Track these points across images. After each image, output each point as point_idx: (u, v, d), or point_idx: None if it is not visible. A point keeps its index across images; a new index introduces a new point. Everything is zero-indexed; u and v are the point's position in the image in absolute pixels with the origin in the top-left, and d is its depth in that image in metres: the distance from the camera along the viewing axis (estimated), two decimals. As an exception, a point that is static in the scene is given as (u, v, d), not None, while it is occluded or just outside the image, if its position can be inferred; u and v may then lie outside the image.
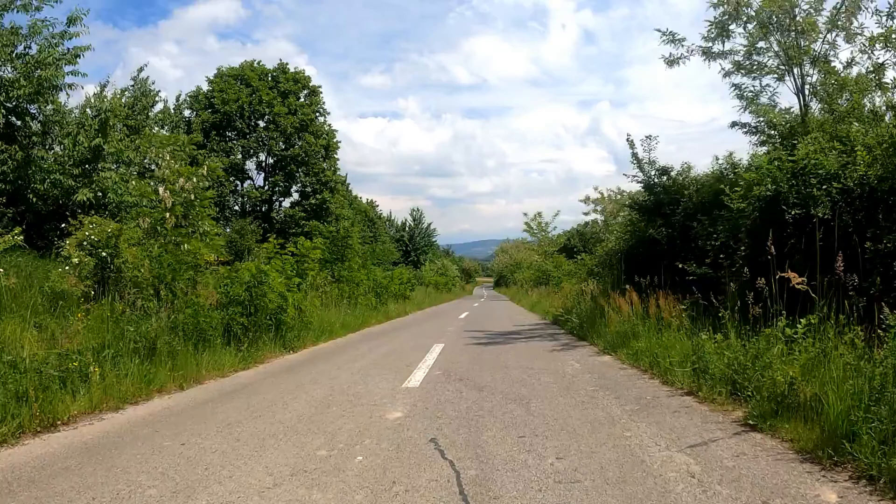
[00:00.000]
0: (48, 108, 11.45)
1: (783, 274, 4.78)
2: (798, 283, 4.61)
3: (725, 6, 9.62)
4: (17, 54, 10.61)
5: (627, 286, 9.60)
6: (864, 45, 8.76)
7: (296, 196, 30.60)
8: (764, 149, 9.42)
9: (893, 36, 8.17)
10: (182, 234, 8.63)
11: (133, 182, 11.95)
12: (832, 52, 9.38)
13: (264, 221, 27.46)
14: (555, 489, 3.09)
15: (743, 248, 6.96)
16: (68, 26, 11.01)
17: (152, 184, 9.69)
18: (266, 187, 29.87)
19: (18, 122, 11.06)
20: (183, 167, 9.57)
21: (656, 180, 10.59)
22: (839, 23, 9.07)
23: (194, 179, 9.20)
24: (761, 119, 9.84)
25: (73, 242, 7.51)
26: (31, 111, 11.24)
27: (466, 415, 4.78)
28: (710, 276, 7.66)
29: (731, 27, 9.95)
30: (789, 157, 6.68)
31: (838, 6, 9.12)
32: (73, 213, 9.63)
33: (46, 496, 3.06)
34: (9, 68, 10.47)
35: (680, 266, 8.28)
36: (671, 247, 9.69)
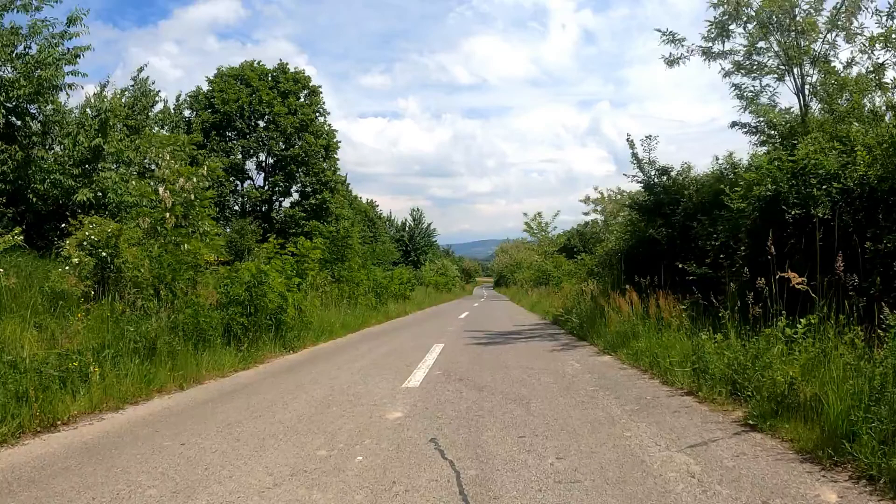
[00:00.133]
0: (48, 108, 11.44)
1: (783, 274, 4.78)
2: (798, 283, 4.61)
3: (725, 6, 9.63)
4: (17, 54, 10.61)
5: (627, 286, 9.60)
6: (864, 45, 8.76)
7: (296, 196, 30.63)
8: (764, 149, 9.43)
9: (893, 36, 8.17)
10: (182, 234, 8.63)
11: (133, 182, 11.95)
12: (832, 52, 9.39)
13: (264, 221, 27.45)
14: (555, 489, 3.09)
15: (743, 248, 6.96)
16: (68, 26, 11.02)
17: (152, 184, 9.69)
18: (266, 187, 29.87)
19: (18, 122, 11.06)
20: (183, 167, 9.57)
21: (656, 180, 10.59)
22: (839, 23, 9.07)
23: (194, 179, 9.21)
24: (761, 119, 9.85)
25: (73, 242, 7.51)
26: (31, 111, 11.24)
27: (466, 415, 4.78)
28: (710, 276, 7.66)
29: (731, 27, 9.95)
30: (789, 157, 6.68)
31: (838, 6, 9.12)
32: (73, 213, 9.63)
33: (46, 496, 3.06)
34: (9, 68, 10.47)
35: (680, 266, 8.28)
36: (671, 247, 9.69)
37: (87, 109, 13.24)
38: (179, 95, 25.64)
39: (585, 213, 24.42)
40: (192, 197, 9.09)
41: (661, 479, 3.20)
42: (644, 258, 10.62)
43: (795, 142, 7.49)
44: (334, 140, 31.13)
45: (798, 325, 4.56)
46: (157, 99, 18.60)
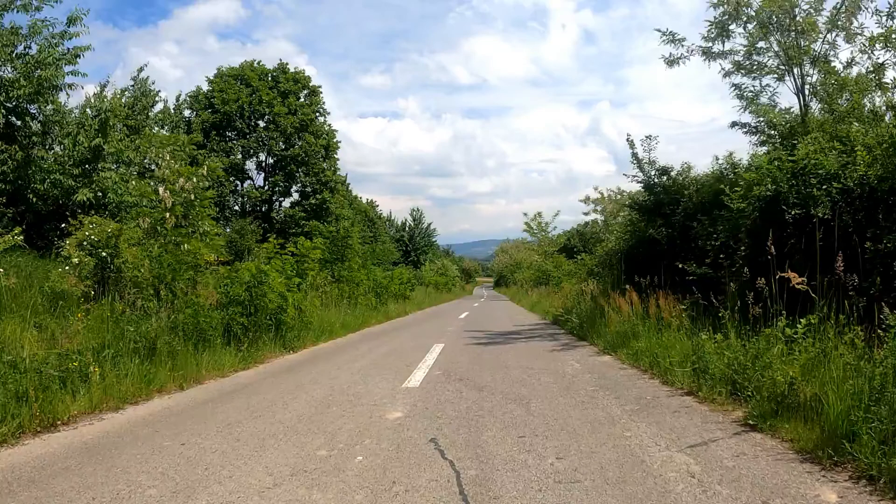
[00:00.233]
0: (48, 108, 11.45)
1: (783, 274, 4.78)
2: (798, 283, 4.61)
3: (725, 6, 9.62)
4: (17, 54, 10.61)
5: (627, 286, 9.60)
6: (864, 45, 8.76)
7: (296, 196, 30.63)
8: (764, 149, 9.43)
9: (893, 36, 8.17)
10: (182, 234, 8.63)
11: (133, 182, 11.95)
12: (832, 52, 9.39)
13: (264, 221, 27.45)
14: (555, 489, 3.09)
15: (743, 248, 6.96)
16: (68, 26, 11.02)
17: (152, 184, 9.69)
18: (266, 187, 29.86)
19: (18, 122, 11.06)
20: (183, 167, 9.57)
21: (656, 180, 10.59)
22: (839, 23, 9.07)
23: (194, 179, 9.21)
24: (761, 119, 9.85)
25: (73, 242, 7.51)
26: (31, 111, 11.24)
27: (466, 415, 4.78)
28: (710, 276, 7.66)
29: (731, 27, 9.95)
30: (789, 157, 6.68)
31: (838, 6, 9.12)
32: (73, 213, 9.63)
33: (46, 496, 3.06)
34: (9, 68, 10.47)
35: (680, 266, 8.28)
36: (671, 247, 9.69)
37: (87, 109, 13.24)
38: (179, 95, 25.69)
39: (585, 213, 24.46)
40: (192, 197, 9.09)
41: (661, 479, 3.20)
42: (644, 258, 10.61)
43: (795, 142, 7.49)
44: (334, 140, 31.13)
45: (798, 325, 4.56)
46: (157, 99, 18.61)
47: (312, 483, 3.22)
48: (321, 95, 30.90)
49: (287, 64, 30.19)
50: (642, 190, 11.04)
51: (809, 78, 9.48)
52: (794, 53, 9.29)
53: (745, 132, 10.11)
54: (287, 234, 25.57)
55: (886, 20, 8.54)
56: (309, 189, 29.74)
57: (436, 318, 19.66)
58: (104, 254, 7.45)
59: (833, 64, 9.27)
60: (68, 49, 10.98)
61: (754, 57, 9.96)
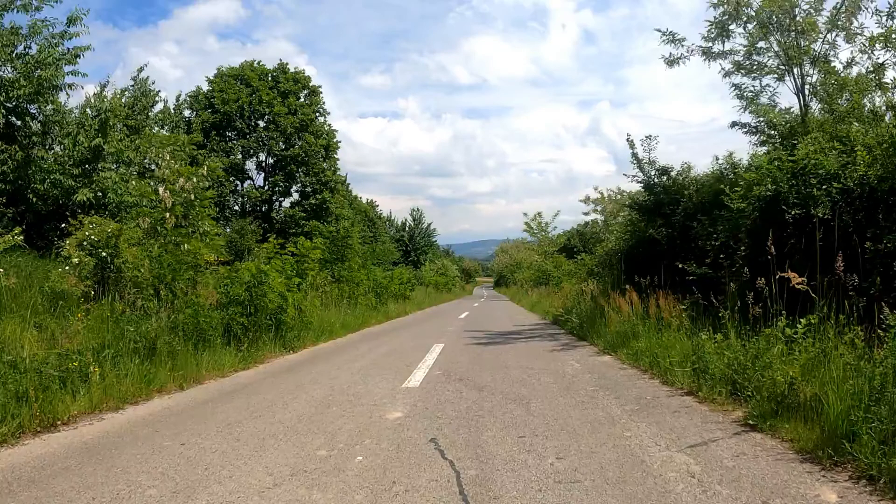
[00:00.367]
0: (48, 108, 11.45)
1: (783, 274, 4.78)
2: (798, 283, 4.61)
3: (725, 6, 9.62)
4: (17, 54, 10.61)
5: (627, 286, 9.60)
6: (864, 45, 8.76)
7: (296, 196, 30.63)
8: (764, 149, 9.43)
9: (893, 36, 8.17)
10: (182, 234, 8.63)
11: (133, 182, 11.96)
12: (832, 52, 9.39)
13: (264, 221, 27.45)
14: (555, 489, 3.09)
15: (743, 248, 6.96)
16: (68, 26, 11.02)
17: (152, 184, 9.69)
18: (266, 187, 29.87)
19: (18, 122, 11.07)
20: (183, 167, 9.57)
21: (656, 180, 10.59)
22: (839, 23, 9.07)
23: (194, 179, 9.20)
24: (761, 119, 9.85)
25: (73, 242, 7.51)
26: (31, 111, 11.24)
27: (466, 415, 4.78)
28: (710, 276, 7.66)
29: (731, 27, 9.95)
30: (789, 157, 6.68)
31: (838, 6, 9.12)
32: (73, 213, 9.63)
33: (46, 496, 3.06)
34: (9, 68, 10.48)
35: (680, 266, 8.28)
36: (671, 247, 9.69)
37: (87, 109, 13.24)
38: (179, 95, 25.69)
39: (585, 213, 24.45)
40: (192, 197, 9.09)
41: (661, 479, 3.20)
42: (644, 258, 10.62)
43: (795, 142, 7.49)
44: (334, 140, 31.13)
45: (798, 325, 4.56)
46: (157, 99, 18.62)
47: (312, 483, 3.22)
48: (321, 95, 30.92)
49: (287, 64, 30.24)
50: (642, 190, 11.05)
51: (809, 78, 9.49)
52: (794, 53, 9.29)
53: (745, 132, 10.12)
54: (287, 234, 25.57)
55: (886, 20, 8.55)
56: (309, 189, 29.74)
57: (436, 318, 19.66)
58: (104, 254, 7.45)
59: (833, 64, 9.28)
60: (68, 49, 10.98)
61: (754, 57, 9.96)
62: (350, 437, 4.14)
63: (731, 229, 7.45)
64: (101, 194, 11.39)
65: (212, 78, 28.87)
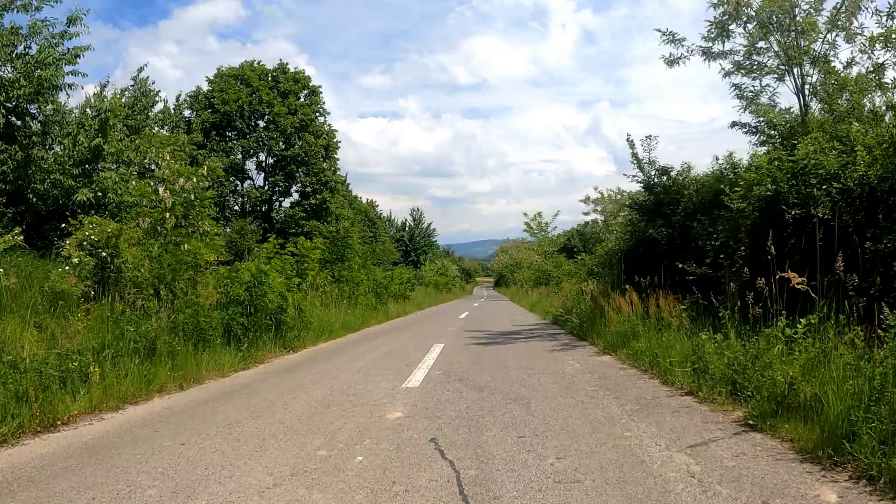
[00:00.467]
0: (48, 108, 11.46)
1: (783, 274, 4.78)
2: (798, 283, 4.62)
3: (725, 6, 9.62)
4: (17, 54, 10.62)
5: (627, 286, 9.60)
6: (864, 45, 8.76)
7: (296, 196, 30.63)
8: (764, 149, 9.43)
9: (893, 36, 8.16)
10: (182, 234, 8.62)
11: (133, 182, 11.96)
12: (832, 52, 9.39)
13: (264, 221, 27.46)
14: (555, 489, 3.09)
15: (743, 248, 6.96)
16: (68, 26, 11.03)
17: (152, 184, 9.68)
18: (266, 187, 29.87)
19: (18, 122, 11.07)
20: (183, 167, 9.56)
21: (656, 180, 10.59)
22: (839, 23, 9.07)
23: (194, 179, 9.20)
24: (761, 119, 9.84)
25: (73, 242, 7.51)
26: (31, 111, 11.25)
27: (466, 415, 4.78)
28: (710, 276, 7.65)
29: (731, 27, 9.95)
30: (789, 157, 6.68)
31: (838, 6, 9.12)
32: (73, 213, 9.64)
33: (46, 496, 3.06)
34: (9, 68, 10.48)
35: (680, 266, 8.28)
36: (671, 247, 9.69)
37: (87, 109, 13.25)
38: (179, 95, 25.70)
39: (585, 213, 24.46)
40: (192, 197, 9.08)
41: (661, 479, 3.20)
42: (644, 258, 10.61)
43: (795, 142, 7.49)
44: (334, 140, 31.13)
45: (798, 325, 4.56)
46: (157, 99, 18.63)
47: (312, 483, 3.22)
48: (321, 95, 30.92)
49: (287, 64, 30.24)
50: (642, 190, 11.04)
51: (809, 78, 9.48)
52: (794, 53, 9.29)
53: (745, 132, 10.12)
54: (287, 234, 25.57)
55: (886, 20, 8.55)
56: (309, 189, 29.74)
57: (436, 318, 19.67)
58: (104, 254, 7.45)
59: (833, 64, 9.28)
60: (68, 49, 10.99)
61: (754, 57, 9.96)
62: (350, 437, 4.14)
63: (731, 229, 7.46)
64: (101, 194, 11.39)
65: (212, 78, 28.87)
